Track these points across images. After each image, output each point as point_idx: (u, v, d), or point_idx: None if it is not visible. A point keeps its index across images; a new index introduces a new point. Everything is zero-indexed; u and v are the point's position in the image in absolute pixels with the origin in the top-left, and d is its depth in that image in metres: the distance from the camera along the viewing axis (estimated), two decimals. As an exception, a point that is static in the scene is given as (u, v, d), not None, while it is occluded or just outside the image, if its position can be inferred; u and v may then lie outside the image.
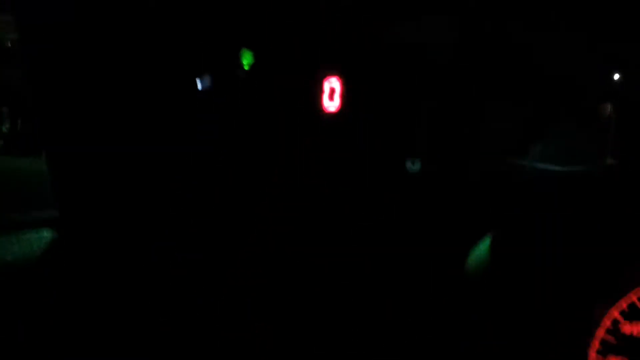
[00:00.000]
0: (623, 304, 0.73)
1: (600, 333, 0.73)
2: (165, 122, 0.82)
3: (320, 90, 0.83)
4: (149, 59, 0.81)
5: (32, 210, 0.88)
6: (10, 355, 0.75)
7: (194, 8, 0.80)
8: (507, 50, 0.85)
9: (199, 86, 0.84)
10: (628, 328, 0.73)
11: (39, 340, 0.75)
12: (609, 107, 0.86)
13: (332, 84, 0.83)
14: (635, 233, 0.72)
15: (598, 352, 0.73)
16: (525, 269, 0.74)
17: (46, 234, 0.84)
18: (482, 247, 0.76)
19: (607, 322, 0.73)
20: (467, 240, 0.78)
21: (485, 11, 0.82)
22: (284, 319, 0.75)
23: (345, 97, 0.83)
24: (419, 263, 0.76)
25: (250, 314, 0.75)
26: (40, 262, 0.80)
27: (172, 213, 0.80)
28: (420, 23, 0.85)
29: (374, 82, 0.86)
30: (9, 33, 0.98)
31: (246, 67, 0.83)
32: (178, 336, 0.74)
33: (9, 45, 1.01)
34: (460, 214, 0.81)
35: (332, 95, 0.83)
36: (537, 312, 0.72)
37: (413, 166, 0.84)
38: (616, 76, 0.85)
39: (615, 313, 0.73)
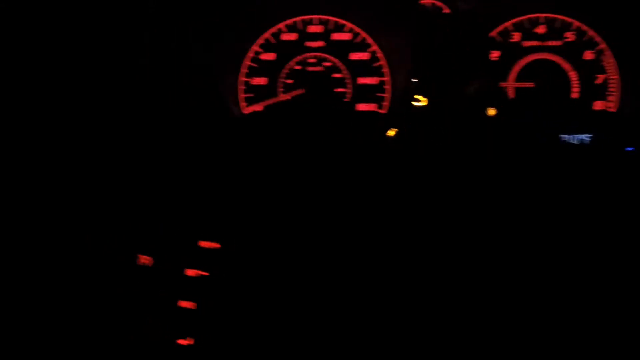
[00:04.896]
0: (261, 40, 1.03)
1: (247, 62, 1.03)
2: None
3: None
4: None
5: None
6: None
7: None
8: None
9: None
10: (264, 56, 1.03)
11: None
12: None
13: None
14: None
15: (246, 75, 1.03)
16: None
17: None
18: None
19: (250, 54, 1.03)
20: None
21: None
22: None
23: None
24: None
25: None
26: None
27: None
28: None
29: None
30: None
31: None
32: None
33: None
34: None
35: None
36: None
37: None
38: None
39: (255, 47, 1.03)
